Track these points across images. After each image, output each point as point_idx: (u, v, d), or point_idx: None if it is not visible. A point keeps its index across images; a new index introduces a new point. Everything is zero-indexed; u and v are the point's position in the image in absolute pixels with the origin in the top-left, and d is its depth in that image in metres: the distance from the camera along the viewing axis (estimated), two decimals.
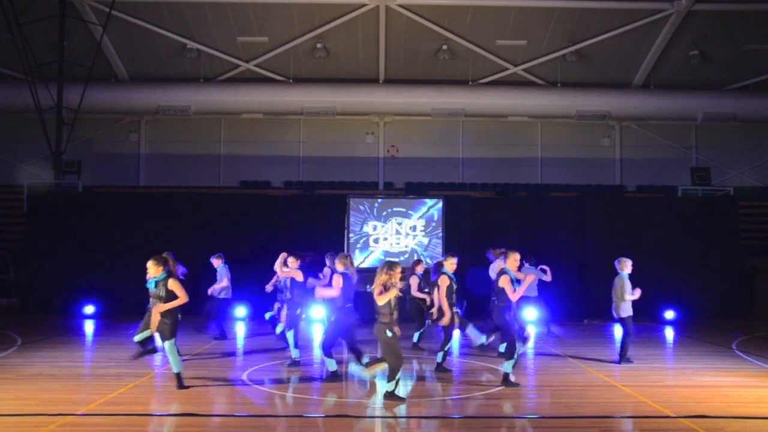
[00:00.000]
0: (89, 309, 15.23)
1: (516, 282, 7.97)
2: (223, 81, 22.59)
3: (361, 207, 16.85)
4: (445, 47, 21.25)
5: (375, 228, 16.75)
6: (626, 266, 9.45)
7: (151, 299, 8.22)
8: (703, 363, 9.80)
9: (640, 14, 20.19)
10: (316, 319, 13.14)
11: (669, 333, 13.57)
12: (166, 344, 7.50)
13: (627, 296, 9.24)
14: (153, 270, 7.47)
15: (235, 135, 23.71)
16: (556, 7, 19.97)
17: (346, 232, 16.76)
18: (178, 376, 7.55)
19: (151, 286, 7.55)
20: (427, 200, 17.29)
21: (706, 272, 16.37)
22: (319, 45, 21.22)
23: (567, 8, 20.01)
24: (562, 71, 22.11)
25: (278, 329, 10.17)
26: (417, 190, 21.46)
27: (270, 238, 16.10)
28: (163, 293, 7.42)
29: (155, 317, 7.49)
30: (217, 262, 11.83)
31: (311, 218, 16.80)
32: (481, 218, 17.09)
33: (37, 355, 9.92)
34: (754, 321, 15.84)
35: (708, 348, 11.39)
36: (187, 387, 7.52)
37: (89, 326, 13.89)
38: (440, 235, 16.75)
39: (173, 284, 7.43)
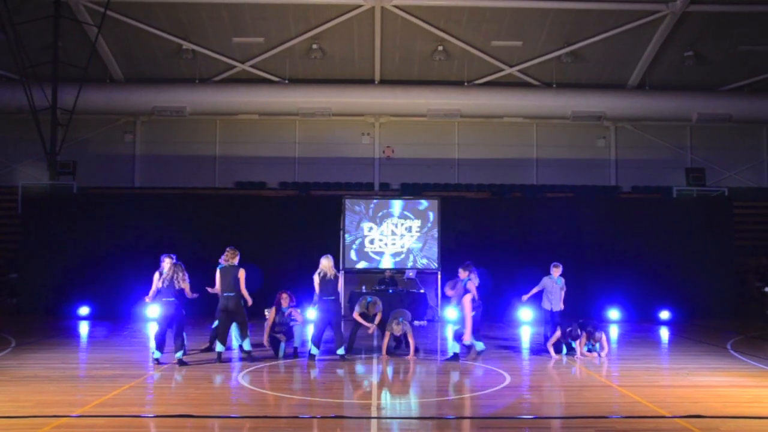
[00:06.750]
0: (84, 310, 15.17)
1: None
2: (219, 82, 22.54)
3: (357, 208, 16.84)
4: (440, 48, 21.26)
5: (371, 229, 16.74)
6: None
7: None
8: (698, 363, 9.82)
9: (635, 15, 20.23)
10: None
11: (664, 333, 13.60)
12: None
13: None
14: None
15: (230, 136, 23.66)
16: (551, 8, 19.99)
17: (341, 233, 16.75)
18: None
19: None
20: (423, 201, 17.28)
21: (700, 273, 16.42)
22: (314, 46, 21.21)
23: (562, 9, 20.03)
24: (557, 72, 22.14)
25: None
26: (413, 191, 21.44)
27: (265, 239, 16.12)
28: None
29: None
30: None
31: (307, 219, 16.79)
32: (476, 219, 17.12)
33: (31, 356, 9.88)
34: (748, 321, 15.88)
35: (703, 348, 11.42)
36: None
37: (84, 327, 13.84)
38: (436, 236, 16.75)
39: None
